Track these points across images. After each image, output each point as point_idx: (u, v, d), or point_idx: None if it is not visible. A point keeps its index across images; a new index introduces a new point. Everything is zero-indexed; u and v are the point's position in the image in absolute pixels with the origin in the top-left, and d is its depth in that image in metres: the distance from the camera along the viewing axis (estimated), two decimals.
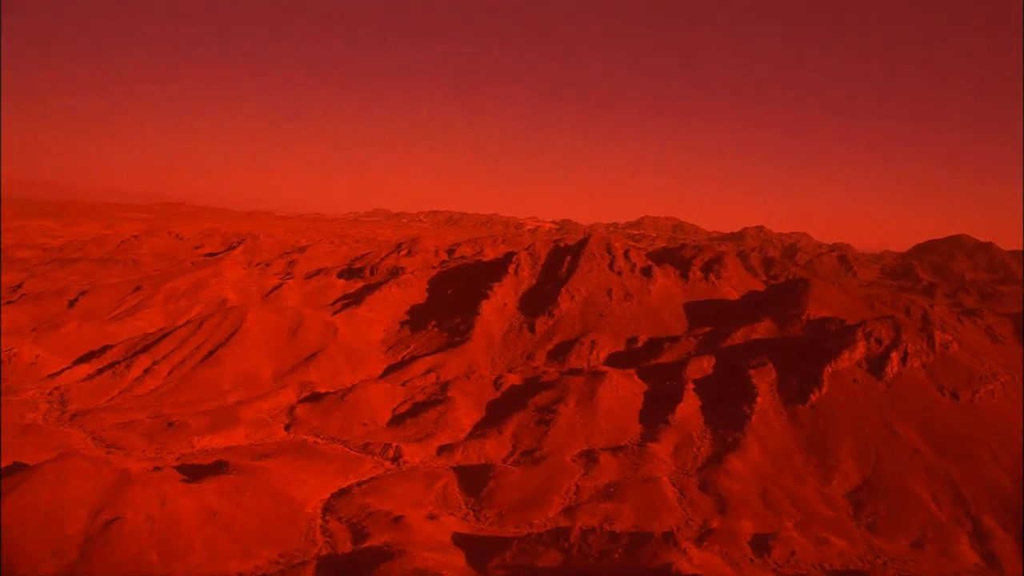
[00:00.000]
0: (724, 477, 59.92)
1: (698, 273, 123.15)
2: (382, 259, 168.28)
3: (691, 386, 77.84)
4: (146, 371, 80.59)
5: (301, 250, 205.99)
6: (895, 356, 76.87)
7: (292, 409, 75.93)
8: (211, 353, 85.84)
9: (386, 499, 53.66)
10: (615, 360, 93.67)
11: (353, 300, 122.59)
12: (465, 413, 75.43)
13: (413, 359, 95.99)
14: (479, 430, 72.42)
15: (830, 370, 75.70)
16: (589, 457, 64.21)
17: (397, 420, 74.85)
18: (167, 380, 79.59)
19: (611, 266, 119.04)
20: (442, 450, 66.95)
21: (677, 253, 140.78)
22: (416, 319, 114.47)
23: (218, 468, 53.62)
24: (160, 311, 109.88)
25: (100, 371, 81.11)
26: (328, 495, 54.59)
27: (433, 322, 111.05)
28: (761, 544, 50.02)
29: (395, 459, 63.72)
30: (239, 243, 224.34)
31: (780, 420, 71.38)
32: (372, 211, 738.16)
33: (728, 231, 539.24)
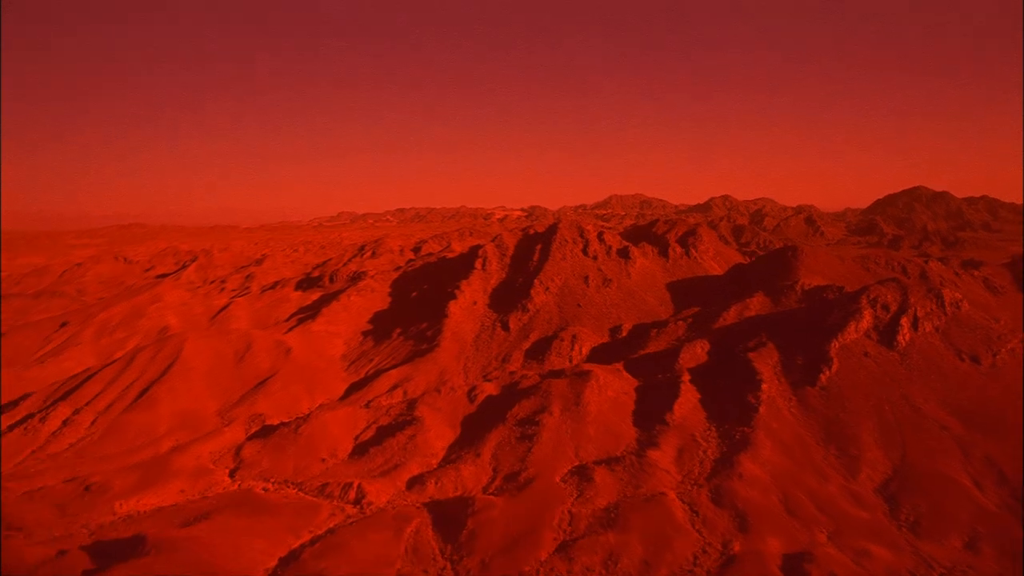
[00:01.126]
0: (739, 484, 51.85)
1: (677, 249, 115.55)
2: (344, 264, 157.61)
3: (687, 377, 69.85)
4: (65, 422, 69.66)
5: (258, 262, 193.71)
6: (905, 322, 69.75)
7: (239, 449, 65.96)
8: (143, 392, 75.26)
9: (345, 559, 44.42)
10: (599, 354, 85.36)
11: (310, 313, 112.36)
12: (437, 434, 66.32)
13: (378, 374, 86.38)
14: (454, 453, 63.40)
15: (837, 345, 68.27)
16: (581, 475, 55.61)
17: (360, 450, 65.39)
18: (90, 431, 68.83)
19: (585, 251, 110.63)
20: (412, 483, 57.72)
21: (649, 230, 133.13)
22: (379, 328, 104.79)
23: (135, 546, 43.81)
24: (91, 348, 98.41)
25: (11, 428, 69.90)
26: (275, 562, 45.10)
27: (398, 329, 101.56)
28: (795, 568, 42.07)
29: (357, 501, 54.36)
30: (192, 261, 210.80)
31: (790, 407, 63.69)
32: (337, 215, 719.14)
33: (695, 203, 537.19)
